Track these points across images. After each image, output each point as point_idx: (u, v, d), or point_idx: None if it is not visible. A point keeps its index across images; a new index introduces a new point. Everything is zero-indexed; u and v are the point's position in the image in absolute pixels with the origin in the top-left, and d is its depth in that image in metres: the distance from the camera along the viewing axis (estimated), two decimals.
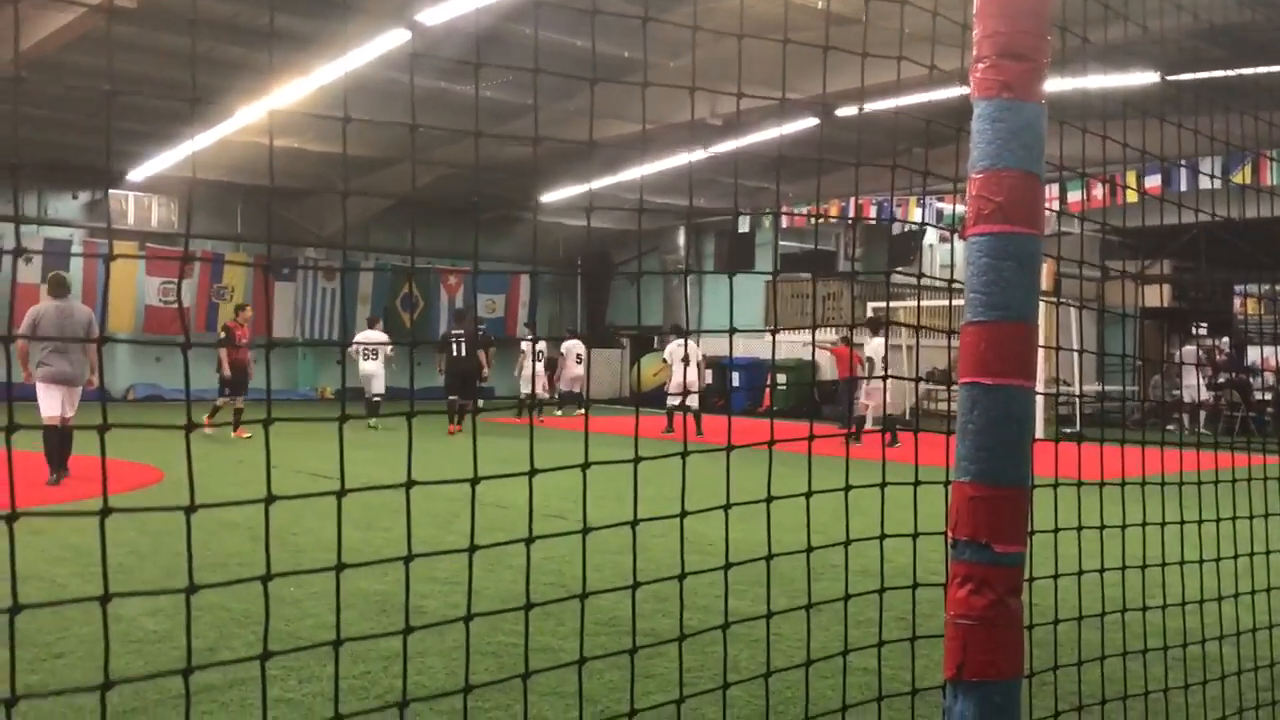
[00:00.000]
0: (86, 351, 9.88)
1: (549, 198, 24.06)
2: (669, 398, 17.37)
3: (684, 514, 2.18)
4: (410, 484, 1.80)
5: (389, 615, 5.26)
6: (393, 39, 13.31)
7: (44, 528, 7.21)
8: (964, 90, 2.13)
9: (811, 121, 18.04)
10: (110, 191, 23.31)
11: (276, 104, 16.26)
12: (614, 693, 4.16)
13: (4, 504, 1.47)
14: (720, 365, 22.40)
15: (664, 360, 18.56)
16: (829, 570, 5.10)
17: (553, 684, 4.18)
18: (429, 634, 4.69)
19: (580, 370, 22.04)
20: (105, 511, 1.49)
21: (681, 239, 28.60)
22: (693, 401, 16.95)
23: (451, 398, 16.87)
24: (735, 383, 23.19)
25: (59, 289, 10.11)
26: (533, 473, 1.89)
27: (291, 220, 25.45)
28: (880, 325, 15.71)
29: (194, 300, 24.10)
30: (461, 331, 17.65)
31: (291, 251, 25.56)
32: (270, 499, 1.56)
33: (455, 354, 17.20)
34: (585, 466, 2.06)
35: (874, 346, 16.15)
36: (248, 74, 16.36)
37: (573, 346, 22.33)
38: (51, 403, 9.59)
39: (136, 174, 21.98)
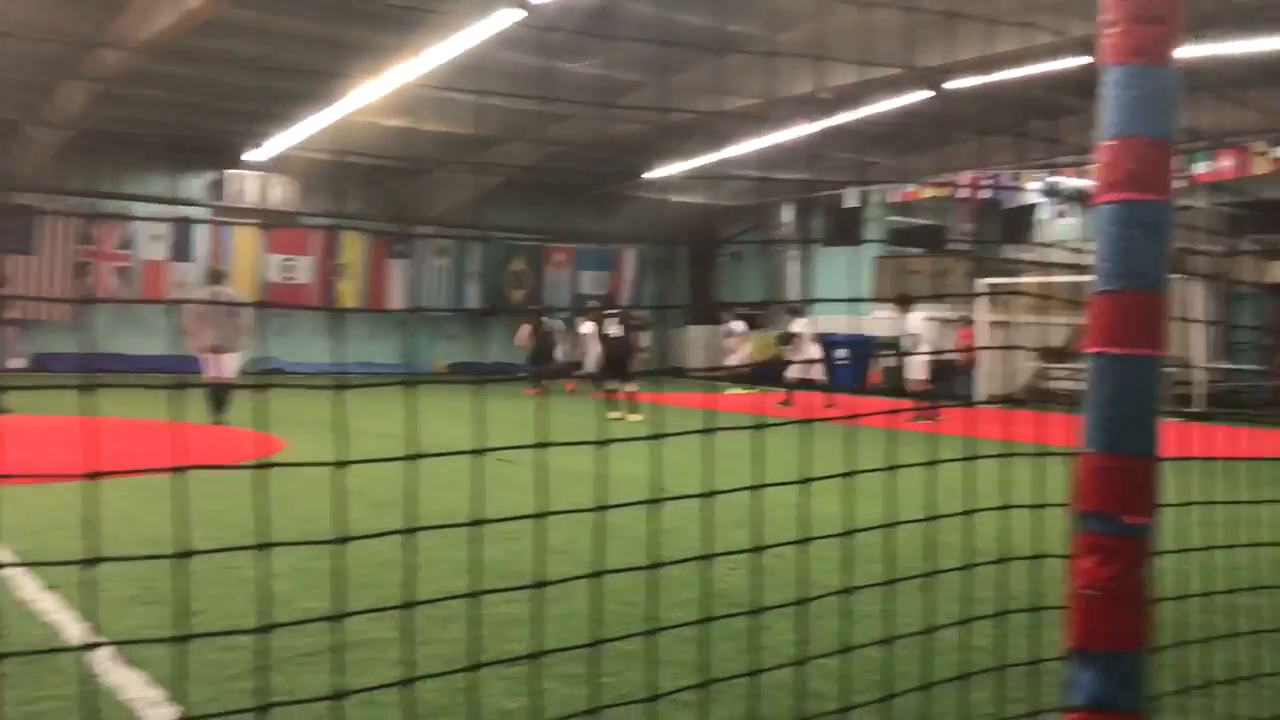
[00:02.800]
0: (236, 327, 12.85)
1: (654, 175, 24.12)
2: (793, 369, 18.12)
3: (808, 480, 2.20)
4: (543, 445, 1.86)
5: (504, 582, 5.37)
6: (502, 18, 13.47)
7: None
8: (1088, 59, 2.09)
9: (922, 95, 17.68)
10: (229, 172, 24.10)
11: (390, 85, 16.59)
12: (725, 663, 4.20)
13: (167, 461, 1.58)
14: (826, 342, 22.31)
15: (790, 335, 19.06)
16: (940, 548, 5.05)
17: (664, 652, 4.24)
18: (543, 602, 4.79)
19: (748, 350, 23.11)
20: (265, 465, 1.58)
21: (787, 215, 28.38)
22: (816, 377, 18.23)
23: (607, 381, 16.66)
24: (840, 360, 23.04)
25: (215, 278, 13.56)
26: (659, 436, 1.93)
27: (404, 199, 25.99)
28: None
29: (313, 277, 24.80)
30: (615, 313, 17.49)
31: (404, 230, 26.13)
32: (416, 456, 1.63)
33: (610, 335, 17.02)
34: (711, 432, 2.10)
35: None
36: (363, 55, 16.72)
37: (735, 327, 23.47)
38: (206, 367, 12.54)
39: (256, 154, 22.69)
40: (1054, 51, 12.87)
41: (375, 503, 7.42)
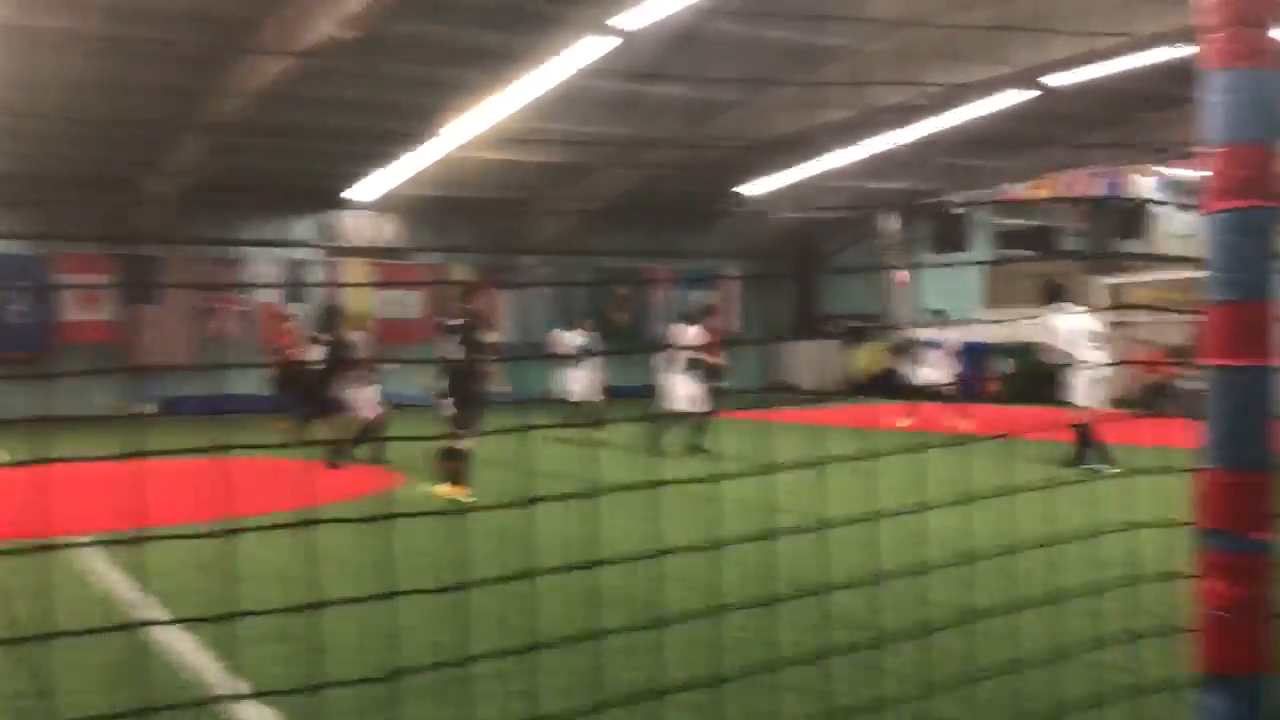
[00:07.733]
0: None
1: (750, 190, 24.08)
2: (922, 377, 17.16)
3: (923, 508, 2.18)
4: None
5: (621, 609, 5.39)
6: (591, 47, 13.62)
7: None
8: (1189, 51, 2.03)
9: (1024, 95, 17.34)
10: (333, 213, 24.73)
11: (490, 120, 16.90)
12: (856, 688, 4.14)
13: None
14: (963, 350, 21.81)
15: (907, 344, 18.14)
16: (1065, 563, 4.91)
17: (793, 680, 4.19)
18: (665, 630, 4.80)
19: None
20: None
21: (891, 224, 28.04)
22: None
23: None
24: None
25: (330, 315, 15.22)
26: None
27: (508, 230, 26.39)
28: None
29: (421, 311, 25.29)
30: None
31: (508, 260, 26.50)
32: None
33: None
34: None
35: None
36: (459, 93, 17.03)
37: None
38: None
39: (358, 194, 23.30)
40: (1154, 42, 12.52)
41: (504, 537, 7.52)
